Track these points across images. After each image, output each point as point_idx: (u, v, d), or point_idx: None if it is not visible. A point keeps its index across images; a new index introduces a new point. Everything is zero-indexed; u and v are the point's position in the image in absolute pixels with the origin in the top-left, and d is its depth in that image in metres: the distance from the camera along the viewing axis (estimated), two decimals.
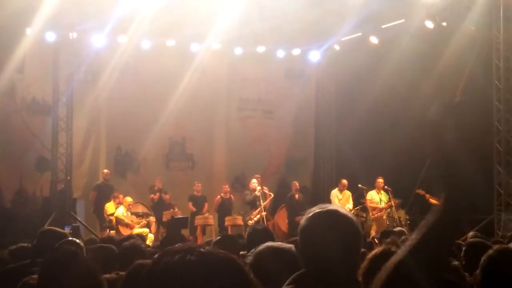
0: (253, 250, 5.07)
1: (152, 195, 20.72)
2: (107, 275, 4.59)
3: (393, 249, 5.56)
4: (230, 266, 1.87)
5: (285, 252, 3.54)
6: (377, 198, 20.02)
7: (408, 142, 20.57)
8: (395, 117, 20.81)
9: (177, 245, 1.92)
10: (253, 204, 20.01)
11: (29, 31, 19.14)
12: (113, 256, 6.71)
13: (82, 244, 7.46)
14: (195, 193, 20.87)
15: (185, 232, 18.66)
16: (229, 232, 18.40)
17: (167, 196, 20.81)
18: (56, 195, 19.29)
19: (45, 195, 20.08)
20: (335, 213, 3.06)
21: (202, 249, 1.87)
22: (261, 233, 7.31)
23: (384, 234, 10.79)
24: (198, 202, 20.55)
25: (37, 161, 20.68)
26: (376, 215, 19.71)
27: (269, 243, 3.84)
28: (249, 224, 18.81)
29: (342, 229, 2.95)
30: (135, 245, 6.91)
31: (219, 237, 7.81)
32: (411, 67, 19.98)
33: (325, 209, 3.07)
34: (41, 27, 18.99)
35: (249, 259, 3.62)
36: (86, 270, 4.08)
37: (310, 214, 3.03)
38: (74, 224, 18.48)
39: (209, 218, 20.21)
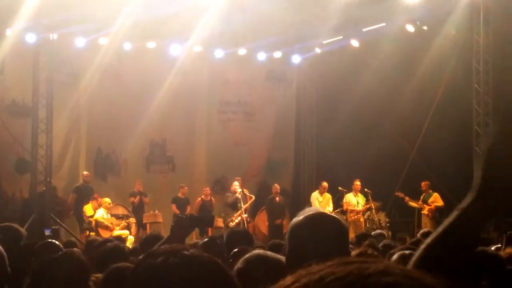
0: (232, 252, 5.08)
1: (132, 198, 20.65)
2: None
3: (369, 251, 5.61)
4: (214, 269, 1.85)
5: (275, 261, 3.54)
6: (354, 201, 20.07)
7: (389, 145, 20.72)
8: (376, 120, 20.91)
9: (161, 247, 1.92)
10: (234, 206, 20.01)
11: (9, 32, 19.04)
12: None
13: (61, 246, 7.48)
14: (180, 195, 20.81)
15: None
16: (210, 235, 18.38)
17: (146, 200, 20.75)
18: (36, 197, 19.19)
19: (24, 197, 19.97)
20: (325, 215, 3.14)
21: (186, 252, 1.86)
22: (240, 235, 7.32)
23: (361, 237, 10.79)
24: (181, 205, 20.49)
25: (16, 162, 20.59)
26: (353, 217, 19.75)
27: (258, 251, 3.83)
28: (230, 226, 18.82)
29: (333, 230, 2.96)
30: (118, 247, 6.90)
31: (205, 240, 7.78)
32: (392, 70, 20.07)
33: (315, 211, 3.11)
34: (21, 28, 18.91)
35: (238, 265, 3.59)
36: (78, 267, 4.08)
37: (301, 216, 3.04)
38: (54, 227, 18.38)
39: (158, 215, 20.16)
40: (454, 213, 2.11)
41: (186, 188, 20.98)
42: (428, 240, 2.08)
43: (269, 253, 3.73)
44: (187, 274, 1.79)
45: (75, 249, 8.45)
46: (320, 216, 3.08)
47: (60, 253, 4.44)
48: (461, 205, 2.11)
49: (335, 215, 3.20)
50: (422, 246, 2.08)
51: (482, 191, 2.05)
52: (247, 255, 3.59)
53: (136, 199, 20.53)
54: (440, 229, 2.10)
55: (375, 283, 0.92)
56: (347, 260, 0.98)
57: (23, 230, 7.40)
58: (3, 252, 1.82)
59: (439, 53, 19.49)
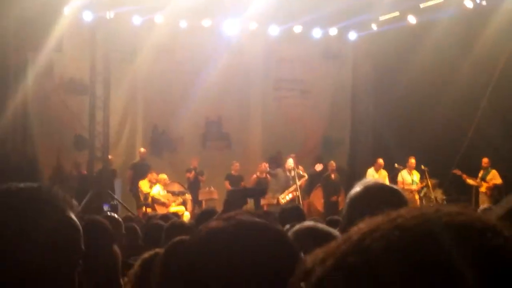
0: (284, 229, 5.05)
1: (188, 174, 20.76)
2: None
3: None
4: (278, 237, 1.83)
5: (325, 233, 3.49)
6: (409, 178, 19.87)
7: (446, 122, 20.46)
8: (432, 98, 20.65)
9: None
10: (275, 178, 20.03)
11: (66, 10, 19.24)
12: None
13: (120, 220, 7.57)
14: (233, 172, 20.87)
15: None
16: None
17: (203, 178, 20.85)
18: (94, 173, 19.41)
19: (82, 173, 20.21)
20: (384, 186, 3.12)
21: (247, 218, 1.84)
22: (292, 212, 7.33)
23: None
24: (235, 181, 20.54)
25: (75, 139, 20.88)
26: (408, 196, 19.51)
27: (308, 223, 3.79)
28: (280, 203, 18.78)
29: (392, 200, 2.91)
30: (181, 223, 6.97)
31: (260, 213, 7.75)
32: (449, 47, 19.79)
33: (374, 182, 3.10)
34: (79, 6, 19.13)
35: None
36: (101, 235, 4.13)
37: (359, 187, 3.02)
38: (113, 203, 18.60)
39: (214, 192, 20.19)
40: None
41: (237, 164, 21.02)
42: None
43: (320, 225, 3.69)
44: (249, 238, 1.77)
45: (132, 224, 8.57)
46: (378, 187, 3.05)
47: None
48: None
49: (396, 188, 3.14)
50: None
51: None
52: (296, 227, 3.56)
53: (192, 175, 20.63)
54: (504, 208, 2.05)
55: (449, 222, 0.94)
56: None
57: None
58: (80, 228, 1.84)
59: (498, 30, 19.12)
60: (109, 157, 19.67)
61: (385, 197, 2.89)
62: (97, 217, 5.07)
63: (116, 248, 4.57)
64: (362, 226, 0.99)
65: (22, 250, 1.77)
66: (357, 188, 3.00)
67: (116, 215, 7.85)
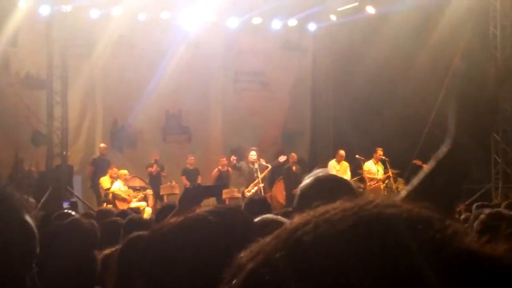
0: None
1: (149, 169, 20.65)
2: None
3: None
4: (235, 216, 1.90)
5: (283, 225, 3.42)
6: (374, 169, 20.06)
7: (405, 113, 20.58)
8: (391, 88, 20.78)
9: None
10: (237, 170, 20.10)
11: (22, 4, 18.99)
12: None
13: (77, 215, 7.43)
14: (188, 166, 20.84)
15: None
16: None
17: (164, 174, 20.76)
18: (52, 170, 19.20)
19: (41, 170, 20.00)
20: (333, 177, 3.21)
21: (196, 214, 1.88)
22: (258, 203, 7.25)
23: None
24: (191, 175, 20.50)
25: (32, 135, 20.66)
26: (373, 185, 19.71)
27: (267, 216, 3.75)
28: (246, 196, 18.77)
29: (341, 191, 2.88)
30: (139, 218, 6.90)
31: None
32: (407, 37, 19.93)
33: (323, 173, 3.11)
34: (34, 0, 18.88)
35: None
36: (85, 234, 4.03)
37: (309, 179, 3.03)
38: (72, 200, 18.43)
39: (175, 187, 20.05)
40: (431, 163, 2.06)
41: (193, 158, 21.01)
42: (408, 189, 2.05)
43: (280, 217, 3.66)
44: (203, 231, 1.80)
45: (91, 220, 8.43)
46: (328, 178, 3.08)
47: (67, 220, 4.39)
48: (437, 153, 2.05)
49: (346, 180, 3.16)
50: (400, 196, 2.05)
51: (457, 138, 1.98)
52: (257, 219, 3.52)
53: (154, 168, 20.52)
54: (416, 181, 2.05)
55: (379, 214, 0.93)
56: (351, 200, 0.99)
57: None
58: (35, 230, 1.76)
59: (455, 19, 19.26)
60: (64, 153, 19.48)
61: (335, 188, 2.92)
62: (79, 219, 4.99)
63: (96, 253, 4.46)
64: (294, 220, 0.98)
65: None
66: (307, 180, 3.02)
67: (73, 212, 7.71)
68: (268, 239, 0.97)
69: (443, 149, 2.03)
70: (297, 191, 3.08)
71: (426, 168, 2.08)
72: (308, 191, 2.95)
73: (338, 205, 0.97)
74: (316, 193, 2.87)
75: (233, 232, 1.79)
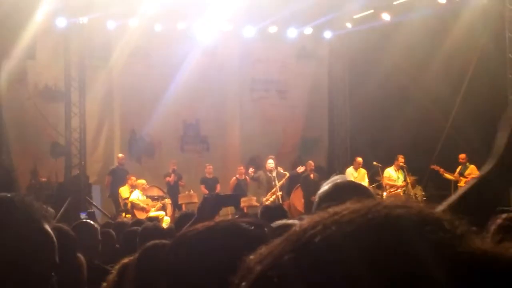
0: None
1: (167, 178, 20.69)
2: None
3: None
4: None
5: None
6: (394, 175, 19.99)
7: (423, 119, 20.55)
8: (407, 94, 20.77)
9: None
10: (257, 181, 20.04)
11: (39, 17, 19.11)
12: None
13: (96, 225, 7.50)
14: (207, 175, 20.87)
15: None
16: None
17: (182, 183, 20.81)
18: (71, 180, 19.30)
19: (59, 181, 20.11)
20: (351, 183, 3.23)
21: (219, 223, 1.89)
22: (274, 210, 7.27)
23: None
24: (210, 184, 20.53)
25: (51, 147, 20.77)
26: (393, 192, 19.64)
27: (283, 221, 3.76)
28: (264, 204, 18.76)
29: (361, 197, 2.90)
30: (154, 226, 6.92)
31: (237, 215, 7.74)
32: (423, 43, 19.92)
33: (341, 179, 3.10)
34: (51, 12, 18.99)
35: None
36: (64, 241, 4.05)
37: (327, 185, 3.04)
38: (90, 210, 18.52)
39: (193, 196, 20.03)
40: (473, 181, 2.08)
41: (211, 167, 21.03)
42: (444, 204, 2.05)
43: (293, 221, 3.66)
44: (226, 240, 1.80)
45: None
46: (346, 184, 3.07)
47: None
48: (481, 172, 2.07)
49: (365, 186, 3.17)
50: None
51: (504, 158, 2.00)
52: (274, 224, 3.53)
53: (171, 178, 20.56)
54: (456, 196, 2.07)
55: (388, 215, 0.93)
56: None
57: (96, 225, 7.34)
58: (54, 239, 1.78)
59: (470, 24, 19.21)
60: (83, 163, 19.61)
61: (353, 194, 2.90)
62: (58, 224, 4.99)
63: (80, 256, 4.50)
64: (303, 222, 0.97)
65: None
66: (325, 187, 3.00)
67: (91, 221, 7.77)
68: (277, 241, 0.96)
69: (487, 167, 2.06)
70: (316, 197, 3.09)
71: (467, 184, 2.10)
72: (326, 197, 2.96)
73: (347, 207, 0.96)
74: (335, 199, 2.85)
75: (265, 241, 1.80)
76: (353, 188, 3.03)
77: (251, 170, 20.64)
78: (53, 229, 1.82)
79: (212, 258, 1.77)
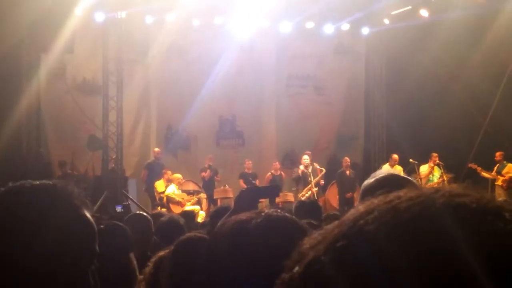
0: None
1: (203, 173, 20.76)
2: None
3: None
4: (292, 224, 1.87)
5: None
6: (430, 173, 19.86)
7: (460, 116, 20.38)
8: (444, 91, 20.61)
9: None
10: (300, 181, 19.94)
11: (78, 11, 19.27)
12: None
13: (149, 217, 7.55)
14: (246, 170, 20.87)
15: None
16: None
17: (218, 178, 20.86)
18: (108, 173, 19.44)
19: (96, 174, 20.27)
20: (397, 176, 3.16)
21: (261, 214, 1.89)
22: (309, 206, 7.27)
23: None
24: (249, 179, 20.53)
25: (88, 140, 20.95)
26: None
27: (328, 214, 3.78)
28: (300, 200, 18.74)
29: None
30: (172, 219, 6.95)
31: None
32: (461, 40, 19.74)
33: (386, 173, 3.11)
34: (90, 7, 19.15)
35: None
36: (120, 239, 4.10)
37: (372, 179, 3.03)
38: (125, 203, 18.63)
39: (229, 191, 20.10)
40: None
41: (250, 162, 21.02)
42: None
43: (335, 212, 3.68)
44: (276, 230, 1.81)
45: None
46: (390, 177, 3.05)
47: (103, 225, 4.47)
48: None
49: (405, 176, 3.14)
50: None
51: None
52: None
53: (207, 174, 20.62)
54: None
55: (446, 202, 0.89)
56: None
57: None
58: (95, 227, 1.81)
59: (510, 20, 19.02)
60: (119, 157, 19.75)
61: (397, 186, 2.87)
62: (114, 221, 5.06)
63: (132, 256, 4.54)
64: (359, 208, 0.95)
65: (35, 247, 1.75)
66: (369, 180, 2.98)
67: (145, 213, 7.86)
68: (330, 227, 0.95)
69: None
70: (360, 190, 3.09)
71: None
72: (370, 189, 2.94)
73: (403, 194, 0.93)
74: (379, 190, 2.84)
75: (303, 231, 1.80)
76: (397, 180, 3.01)
77: (276, 163, 20.87)
78: (108, 226, 1.85)
79: (248, 251, 1.78)
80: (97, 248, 1.87)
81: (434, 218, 0.87)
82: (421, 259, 0.84)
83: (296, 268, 0.92)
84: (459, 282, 0.82)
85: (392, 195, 0.94)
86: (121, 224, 4.80)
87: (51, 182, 1.88)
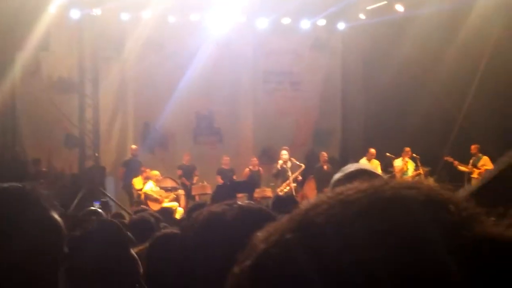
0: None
1: (180, 171, 20.76)
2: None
3: None
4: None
5: None
6: (403, 166, 20.01)
7: (435, 110, 20.51)
8: (421, 86, 20.72)
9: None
10: (280, 177, 19.96)
11: (52, 8, 19.17)
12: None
13: (104, 214, 7.51)
14: (223, 166, 20.89)
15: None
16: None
17: (195, 174, 20.86)
18: (85, 171, 19.38)
19: (73, 172, 20.21)
20: (363, 170, 3.15)
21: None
22: (286, 201, 7.28)
23: None
24: (227, 175, 20.56)
25: (65, 138, 20.86)
26: None
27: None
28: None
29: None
30: (144, 218, 6.93)
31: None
32: (436, 35, 19.88)
33: (354, 168, 3.14)
34: (65, 4, 19.07)
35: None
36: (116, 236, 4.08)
37: (341, 173, 3.08)
38: (103, 199, 18.58)
39: (207, 187, 20.09)
40: (495, 168, 2.07)
41: (227, 158, 21.08)
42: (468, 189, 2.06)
43: None
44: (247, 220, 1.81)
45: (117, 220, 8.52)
46: (358, 171, 3.07)
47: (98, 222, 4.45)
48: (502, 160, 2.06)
49: (373, 170, 3.16)
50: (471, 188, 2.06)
51: None
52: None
53: (182, 178, 20.62)
54: (478, 184, 2.08)
55: (394, 195, 0.90)
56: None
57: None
58: (62, 228, 1.80)
59: (484, 16, 19.13)
60: (95, 154, 19.68)
61: (362, 179, 2.88)
62: (112, 220, 5.04)
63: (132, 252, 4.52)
64: (309, 202, 0.95)
65: (3, 250, 1.74)
66: (339, 174, 3.00)
67: (100, 210, 7.82)
68: (283, 219, 0.94)
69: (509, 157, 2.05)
70: (329, 186, 3.08)
71: (489, 172, 2.12)
72: (338, 184, 2.88)
73: (353, 187, 0.93)
74: (347, 183, 2.85)
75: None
76: (365, 175, 2.98)
77: (254, 159, 20.88)
78: (105, 222, 1.85)
79: (219, 241, 1.78)
80: (65, 249, 1.87)
81: (381, 210, 0.87)
82: (365, 252, 0.84)
83: (247, 261, 0.92)
84: (401, 277, 0.82)
85: (343, 188, 0.94)
86: (114, 220, 4.78)
87: (19, 185, 1.87)
